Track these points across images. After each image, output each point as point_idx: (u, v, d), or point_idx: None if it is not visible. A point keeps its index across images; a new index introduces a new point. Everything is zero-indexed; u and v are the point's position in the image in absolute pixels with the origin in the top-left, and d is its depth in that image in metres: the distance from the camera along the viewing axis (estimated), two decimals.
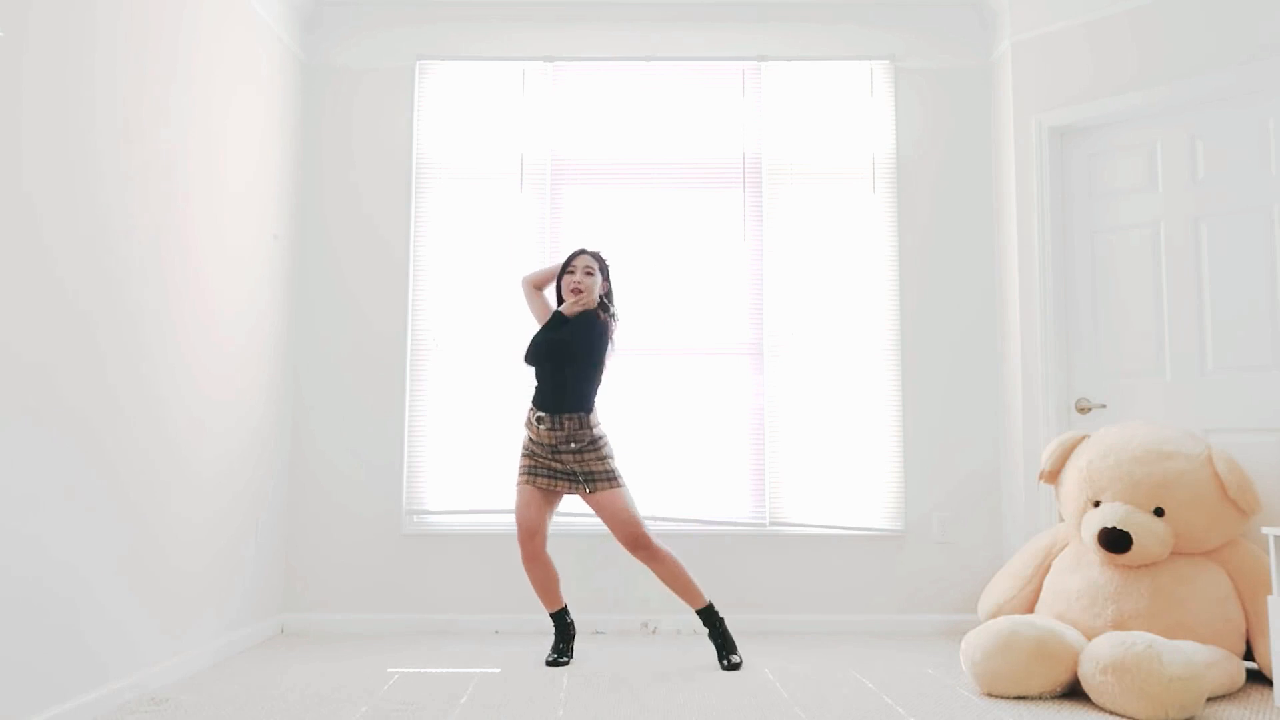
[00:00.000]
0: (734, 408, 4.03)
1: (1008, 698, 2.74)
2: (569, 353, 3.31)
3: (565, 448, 3.27)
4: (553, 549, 3.87)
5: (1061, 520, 3.43)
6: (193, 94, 3.13)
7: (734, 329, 4.06)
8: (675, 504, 3.96)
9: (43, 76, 2.38)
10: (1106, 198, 3.69)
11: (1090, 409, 3.65)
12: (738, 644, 3.38)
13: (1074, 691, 2.76)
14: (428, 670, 3.16)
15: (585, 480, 3.27)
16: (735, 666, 3.18)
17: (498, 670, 3.15)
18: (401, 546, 3.93)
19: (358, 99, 4.12)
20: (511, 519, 3.90)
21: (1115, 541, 2.96)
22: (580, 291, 3.37)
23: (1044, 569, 3.31)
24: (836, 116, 4.14)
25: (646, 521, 3.32)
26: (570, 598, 3.65)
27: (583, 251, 3.47)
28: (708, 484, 3.98)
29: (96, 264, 2.60)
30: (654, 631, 3.85)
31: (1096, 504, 3.13)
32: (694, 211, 4.12)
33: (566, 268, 3.45)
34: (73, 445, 2.49)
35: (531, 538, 3.29)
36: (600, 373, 3.39)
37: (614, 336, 3.46)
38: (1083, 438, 3.32)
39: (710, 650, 3.41)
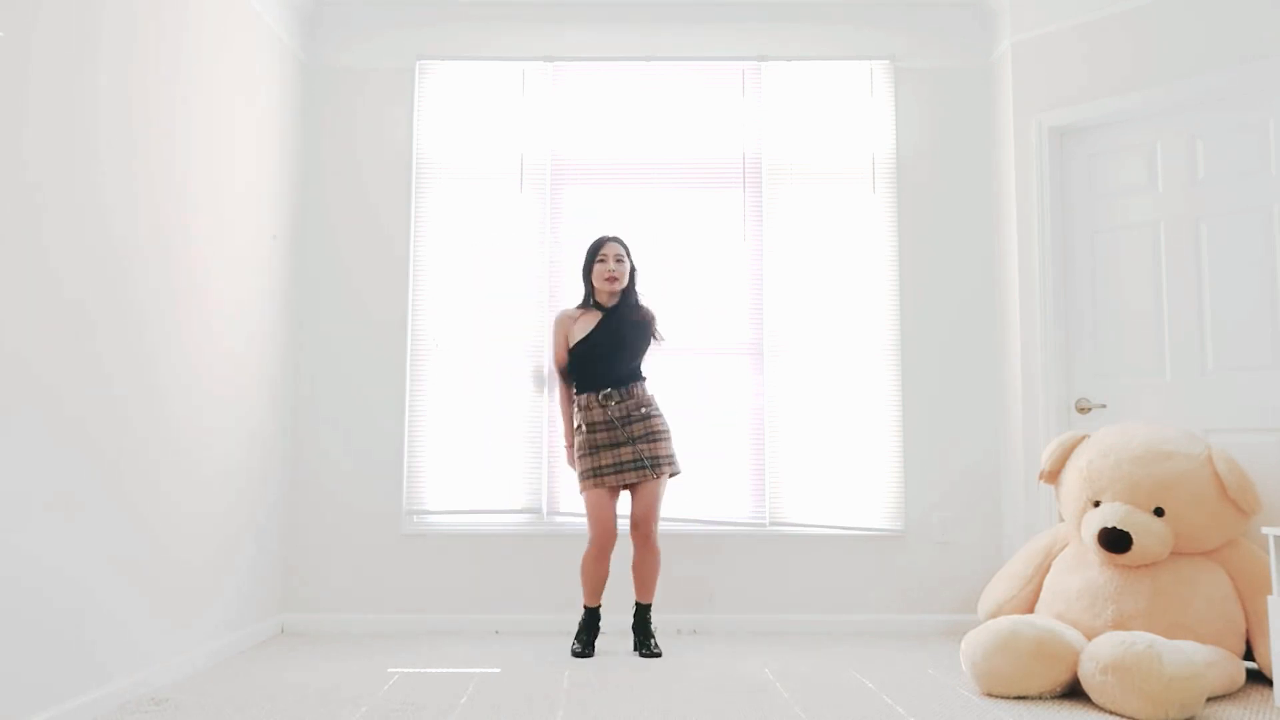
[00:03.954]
0: (734, 408, 4.02)
1: (1008, 698, 2.74)
2: (620, 340, 3.51)
3: (637, 414, 3.45)
4: (554, 549, 3.90)
5: (1061, 520, 3.43)
6: (194, 95, 3.13)
7: (734, 329, 4.06)
8: (675, 504, 3.94)
9: (45, 77, 2.38)
10: (1106, 198, 3.69)
11: (1090, 409, 3.65)
12: (743, 644, 3.40)
13: (1074, 691, 2.76)
14: (428, 670, 3.16)
15: (651, 465, 3.40)
16: (655, 654, 3.36)
17: (498, 670, 3.15)
18: (401, 546, 3.93)
19: (358, 99, 4.12)
20: (513, 519, 3.93)
21: (1115, 541, 2.96)
22: (615, 279, 3.53)
23: (1044, 569, 3.30)
24: (836, 116, 4.13)
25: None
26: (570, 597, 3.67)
27: (609, 239, 3.59)
28: (708, 484, 3.98)
29: (99, 265, 2.60)
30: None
31: (1096, 504, 3.13)
32: (694, 211, 4.11)
33: (597, 256, 3.56)
34: (72, 445, 2.49)
35: (611, 537, 3.42)
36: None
37: (656, 331, 3.63)
38: (1083, 438, 3.32)
39: (710, 650, 3.45)
